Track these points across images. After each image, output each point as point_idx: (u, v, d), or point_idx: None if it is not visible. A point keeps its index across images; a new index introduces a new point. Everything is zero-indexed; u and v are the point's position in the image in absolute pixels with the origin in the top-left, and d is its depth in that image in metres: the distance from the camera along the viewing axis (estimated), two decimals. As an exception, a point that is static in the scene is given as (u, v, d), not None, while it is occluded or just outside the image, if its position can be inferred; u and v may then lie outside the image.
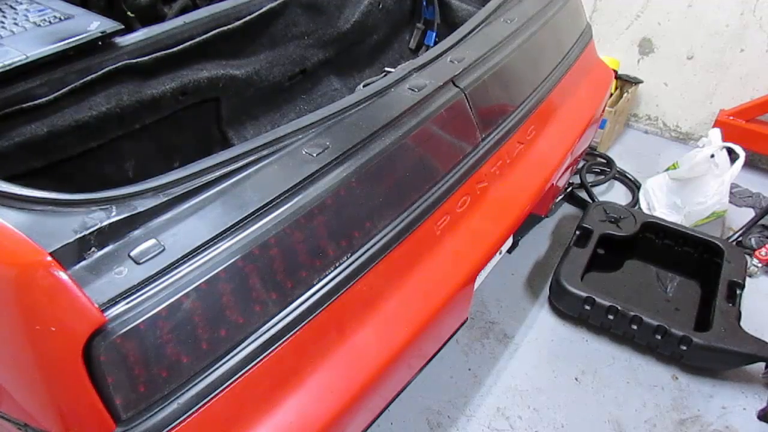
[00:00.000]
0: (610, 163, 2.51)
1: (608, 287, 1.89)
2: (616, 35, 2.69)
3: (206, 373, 0.78)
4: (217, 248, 0.81)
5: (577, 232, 1.93)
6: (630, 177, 2.45)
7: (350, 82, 1.95)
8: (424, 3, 2.04)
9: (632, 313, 1.65)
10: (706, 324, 1.66)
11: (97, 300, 0.69)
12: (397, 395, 1.17)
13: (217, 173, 0.88)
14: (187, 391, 0.76)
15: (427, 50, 1.71)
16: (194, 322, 0.77)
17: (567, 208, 2.31)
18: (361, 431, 1.11)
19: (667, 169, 2.29)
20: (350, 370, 0.95)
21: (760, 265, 2.00)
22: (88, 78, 1.21)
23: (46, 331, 0.65)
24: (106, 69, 1.24)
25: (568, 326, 1.84)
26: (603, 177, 2.45)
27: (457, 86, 1.22)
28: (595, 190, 2.39)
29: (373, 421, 1.14)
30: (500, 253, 1.34)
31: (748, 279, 1.83)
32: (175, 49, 1.36)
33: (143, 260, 0.74)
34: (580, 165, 2.46)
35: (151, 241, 0.77)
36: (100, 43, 1.22)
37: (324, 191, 0.94)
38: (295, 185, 0.91)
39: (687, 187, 2.16)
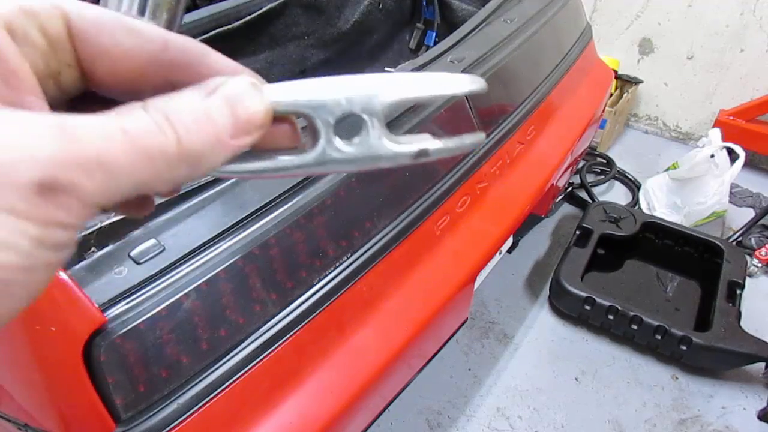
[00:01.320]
0: (610, 163, 2.51)
1: (608, 287, 1.89)
2: (616, 35, 2.69)
3: (206, 373, 0.78)
4: (217, 248, 0.81)
5: (577, 232, 1.93)
6: (630, 177, 2.45)
7: (350, 82, 1.95)
8: (424, 3, 2.04)
9: (632, 313, 1.65)
10: (706, 324, 1.66)
11: (97, 300, 0.69)
12: (397, 395, 1.17)
13: (217, 173, 0.87)
14: (187, 391, 0.76)
15: (427, 50, 1.71)
16: (194, 322, 0.77)
17: (567, 208, 2.31)
18: (361, 431, 1.11)
19: (667, 169, 2.29)
20: (350, 370, 0.95)
21: (760, 265, 2.00)
22: (88, 78, 1.21)
23: (46, 331, 0.65)
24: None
25: (568, 326, 1.84)
26: (603, 177, 2.45)
27: (457, 86, 1.22)
28: (595, 190, 2.39)
29: (373, 421, 1.14)
30: (500, 253, 1.34)
31: (748, 279, 1.83)
32: (175, 49, 1.36)
33: (143, 260, 0.74)
34: (580, 165, 2.46)
35: (151, 241, 0.77)
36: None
37: (324, 191, 0.94)
38: (295, 185, 0.91)
39: (687, 187, 2.16)
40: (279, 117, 0.28)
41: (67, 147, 0.21)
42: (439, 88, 0.29)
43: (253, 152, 0.28)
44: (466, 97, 1.23)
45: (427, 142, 0.29)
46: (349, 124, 0.28)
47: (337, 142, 0.28)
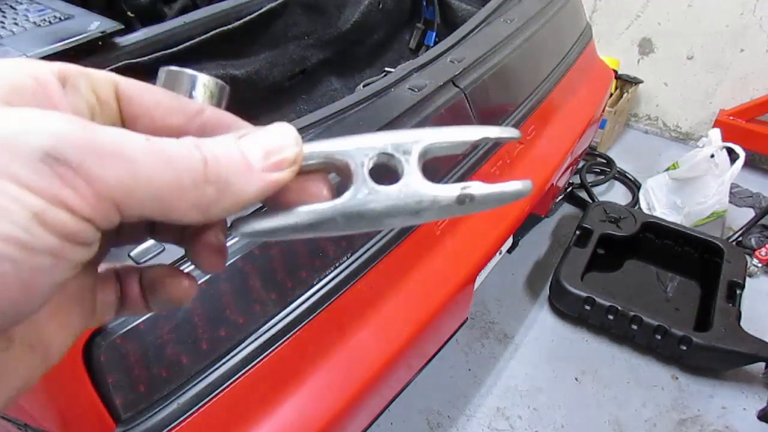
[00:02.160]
0: (610, 163, 2.51)
1: (608, 287, 1.89)
2: (616, 35, 2.69)
3: (206, 373, 0.78)
4: (217, 248, 0.81)
5: (577, 232, 1.93)
6: (630, 177, 2.45)
7: (350, 82, 1.95)
8: (424, 3, 2.04)
9: (632, 313, 1.65)
10: (706, 324, 1.66)
11: (97, 300, 0.69)
12: (397, 395, 1.17)
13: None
14: (187, 391, 0.77)
15: (427, 50, 1.71)
16: (194, 322, 0.77)
17: (567, 208, 2.31)
18: (361, 431, 1.11)
19: (667, 169, 2.29)
20: (350, 370, 0.95)
21: (760, 265, 2.00)
22: (88, 78, 1.21)
23: (46, 331, 0.65)
24: (106, 69, 1.24)
25: (568, 326, 1.84)
26: (603, 177, 2.45)
27: (457, 86, 1.22)
28: (595, 190, 2.39)
29: (373, 421, 1.14)
30: (500, 253, 1.34)
31: (748, 279, 1.83)
32: (175, 49, 1.36)
33: (143, 260, 0.74)
34: (580, 165, 2.46)
35: (151, 241, 0.77)
36: (100, 43, 1.22)
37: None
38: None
39: (687, 187, 2.16)
40: (311, 170, 0.28)
41: (82, 131, 0.20)
42: (473, 134, 0.30)
43: (282, 209, 0.27)
44: (465, 96, 1.23)
45: (472, 187, 0.28)
46: (384, 171, 0.28)
47: (372, 183, 0.27)
